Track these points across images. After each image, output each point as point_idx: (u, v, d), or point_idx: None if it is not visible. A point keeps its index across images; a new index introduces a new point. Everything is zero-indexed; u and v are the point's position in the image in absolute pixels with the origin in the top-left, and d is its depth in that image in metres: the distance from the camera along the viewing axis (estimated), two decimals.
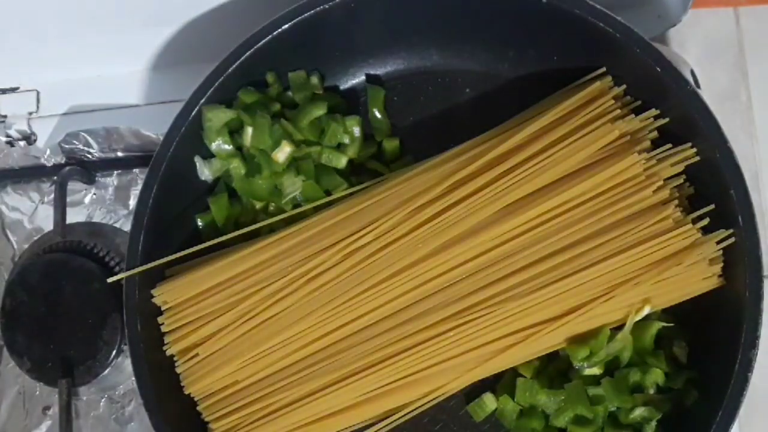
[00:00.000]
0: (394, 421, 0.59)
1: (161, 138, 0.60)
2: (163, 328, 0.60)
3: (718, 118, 0.56)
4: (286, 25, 0.60)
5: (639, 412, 0.57)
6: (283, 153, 0.61)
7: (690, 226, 0.56)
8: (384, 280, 0.58)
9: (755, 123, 0.74)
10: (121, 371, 0.68)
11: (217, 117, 0.61)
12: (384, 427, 0.59)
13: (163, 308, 0.60)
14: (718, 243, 0.56)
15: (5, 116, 0.75)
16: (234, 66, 0.60)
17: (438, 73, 0.66)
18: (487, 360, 0.58)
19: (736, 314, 0.55)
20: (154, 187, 0.60)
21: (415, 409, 0.59)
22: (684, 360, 0.59)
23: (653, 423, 0.57)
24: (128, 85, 0.75)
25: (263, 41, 0.60)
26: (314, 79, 0.64)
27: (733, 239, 0.56)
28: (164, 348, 0.60)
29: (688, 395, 0.58)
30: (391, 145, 0.65)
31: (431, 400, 0.59)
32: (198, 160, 0.62)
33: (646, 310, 0.57)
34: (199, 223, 0.63)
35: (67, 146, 0.71)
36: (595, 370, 0.58)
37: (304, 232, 0.59)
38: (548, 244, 0.57)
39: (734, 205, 0.56)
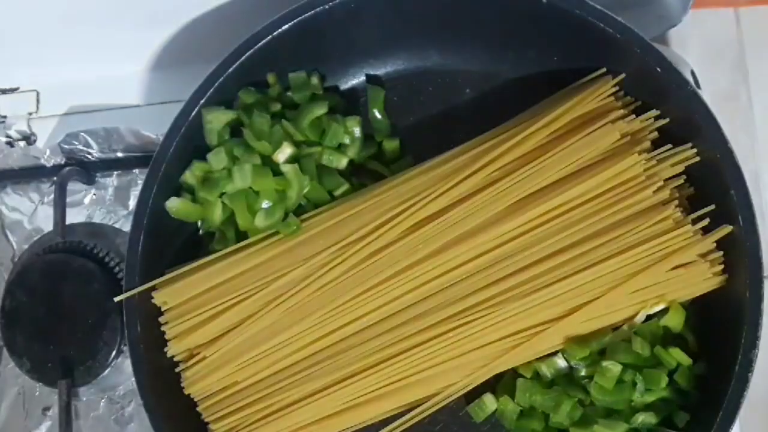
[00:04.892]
0: (397, 426, 0.59)
1: (161, 138, 0.60)
2: (164, 329, 0.60)
3: (719, 119, 0.56)
4: (286, 26, 0.60)
5: (642, 417, 0.57)
6: (283, 154, 0.61)
7: (690, 226, 0.56)
8: (384, 281, 0.58)
9: (755, 123, 0.74)
10: (121, 372, 0.68)
11: (217, 118, 0.61)
12: (386, 430, 0.59)
13: (163, 309, 0.60)
14: (717, 243, 0.56)
15: (5, 116, 0.75)
16: (234, 66, 0.60)
17: (438, 73, 0.66)
18: (488, 363, 0.58)
19: (737, 315, 0.55)
20: (154, 187, 0.60)
21: (417, 415, 0.59)
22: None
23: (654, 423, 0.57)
24: (128, 85, 0.75)
25: (263, 41, 0.60)
26: (314, 80, 0.64)
27: (732, 238, 0.56)
28: (164, 348, 0.60)
29: (689, 396, 0.58)
30: (391, 145, 0.65)
31: (433, 405, 0.59)
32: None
33: (658, 307, 0.57)
34: (199, 223, 0.63)
35: (66, 147, 0.71)
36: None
37: (305, 233, 0.60)
38: (548, 245, 0.57)
39: (734, 205, 0.56)
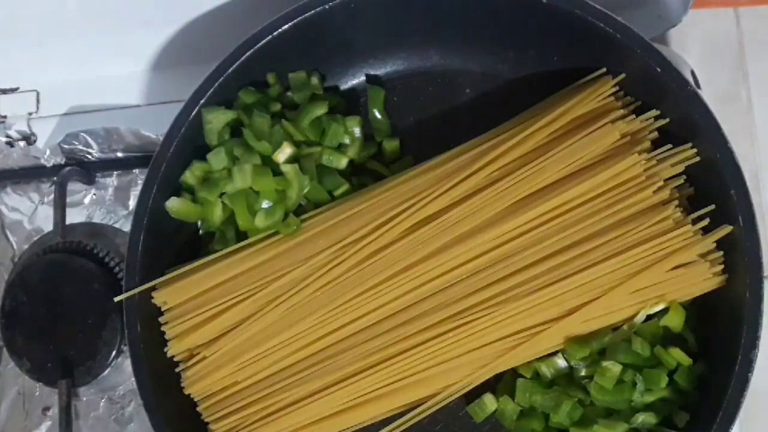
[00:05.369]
0: (397, 426, 0.59)
1: (161, 138, 0.60)
2: (164, 329, 0.60)
3: (719, 119, 0.56)
4: (286, 26, 0.60)
5: (642, 417, 0.57)
6: (283, 154, 0.61)
7: (690, 226, 0.56)
8: (384, 281, 0.58)
9: (755, 123, 0.74)
10: (121, 372, 0.68)
11: (217, 118, 0.61)
12: (386, 430, 0.59)
13: (163, 309, 0.60)
14: (717, 243, 0.56)
15: (5, 116, 0.75)
16: (234, 66, 0.60)
17: (438, 73, 0.66)
18: (488, 363, 0.58)
19: (737, 315, 0.55)
20: (154, 187, 0.60)
21: (417, 415, 0.59)
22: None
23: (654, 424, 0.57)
24: (128, 86, 0.75)
25: (263, 41, 0.60)
26: (314, 80, 0.64)
27: (732, 238, 0.56)
28: (164, 348, 0.60)
29: (689, 396, 0.58)
30: (391, 145, 0.65)
31: (433, 405, 0.59)
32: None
33: (658, 307, 0.57)
34: (199, 223, 0.64)
35: (66, 147, 0.71)
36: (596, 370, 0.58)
37: (305, 233, 0.60)
38: (549, 245, 0.57)
39: (734, 205, 0.56)
